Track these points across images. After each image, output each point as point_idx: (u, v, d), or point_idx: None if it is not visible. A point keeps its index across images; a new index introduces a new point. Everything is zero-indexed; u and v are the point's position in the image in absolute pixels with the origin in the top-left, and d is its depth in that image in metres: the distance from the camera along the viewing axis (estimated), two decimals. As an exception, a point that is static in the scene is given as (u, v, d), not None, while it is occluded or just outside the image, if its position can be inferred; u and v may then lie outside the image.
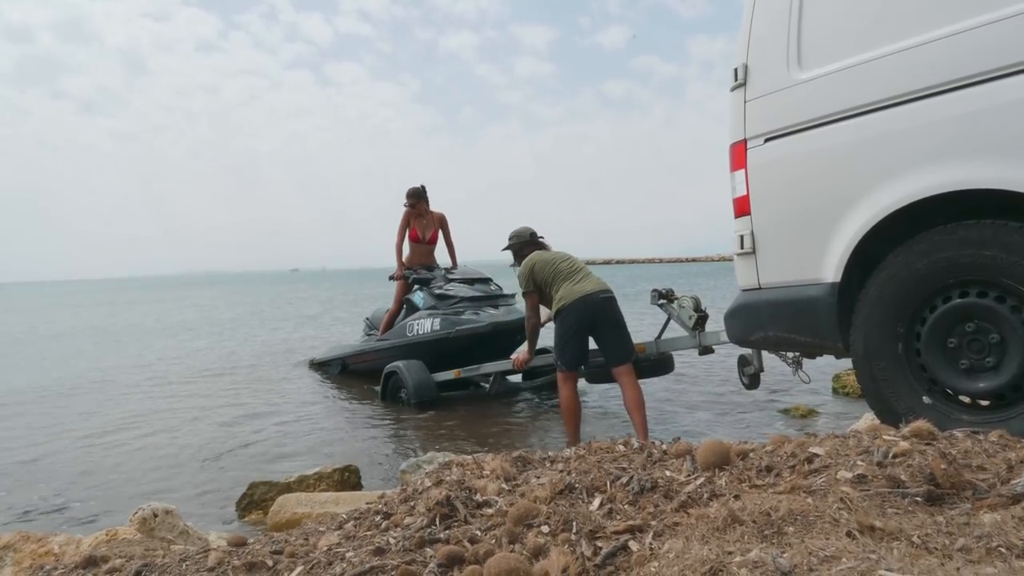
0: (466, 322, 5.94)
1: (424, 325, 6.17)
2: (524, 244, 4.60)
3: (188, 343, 12.46)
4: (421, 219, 6.65)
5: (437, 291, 6.33)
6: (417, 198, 6.53)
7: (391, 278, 6.85)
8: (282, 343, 11.68)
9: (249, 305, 25.35)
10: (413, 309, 6.61)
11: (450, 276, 6.52)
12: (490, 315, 6.01)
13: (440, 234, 6.81)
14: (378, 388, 6.16)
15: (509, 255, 4.74)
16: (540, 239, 4.66)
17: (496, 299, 6.38)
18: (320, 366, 8.23)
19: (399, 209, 6.52)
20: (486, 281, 6.57)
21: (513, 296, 6.45)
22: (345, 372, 7.55)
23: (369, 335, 7.48)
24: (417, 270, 6.65)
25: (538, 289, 4.23)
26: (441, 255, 6.89)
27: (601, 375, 4.46)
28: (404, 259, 6.70)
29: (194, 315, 20.86)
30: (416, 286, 6.63)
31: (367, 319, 7.80)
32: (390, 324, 6.86)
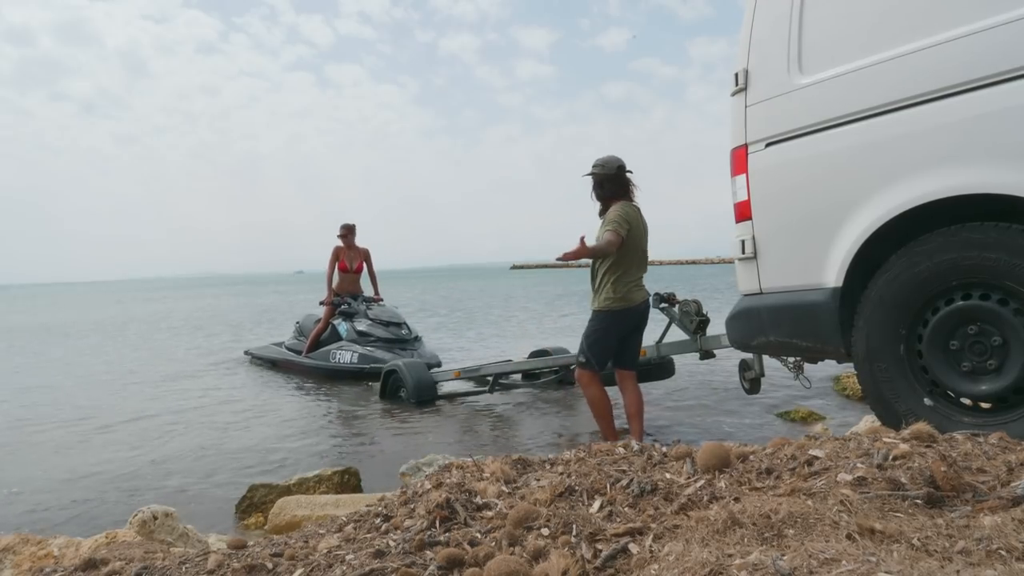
0: (378, 360, 7.18)
1: (344, 356, 7.54)
2: (609, 178, 3.90)
3: (192, 342, 12.46)
4: (349, 251, 7.87)
5: (359, 328, 7.67)
6: (349, 232, 7.79)
7: (321, 303, 8.09)
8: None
9: (258, 306, 25.38)
10: (336, 336, 7.92)
11: (370, 315, 7.80)
12: (398, 356, 7.14)
13: (365, 266, 8.05)
14: (375, 384, 6.24)
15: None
16: (629, 173, 3.96)
17: (405, 342, 7.66)
18: (254, 358, 9.39)
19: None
20: (400, 325, 7.84)
21: (420, 339, 7.95)
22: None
23: (298, 339, 8.71)
24: (344, 299, 7.94)
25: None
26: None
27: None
28: (334, 286, 7.91)
29: (205, 316, 20.83)
30: (342, 318, 7.91)
31: (298, 323, 9.03)
32: (316, 340, 8.04)
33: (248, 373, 8.49)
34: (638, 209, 3.94)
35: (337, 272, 7.87)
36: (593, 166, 3.94)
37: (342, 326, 7.87)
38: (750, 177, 2.77)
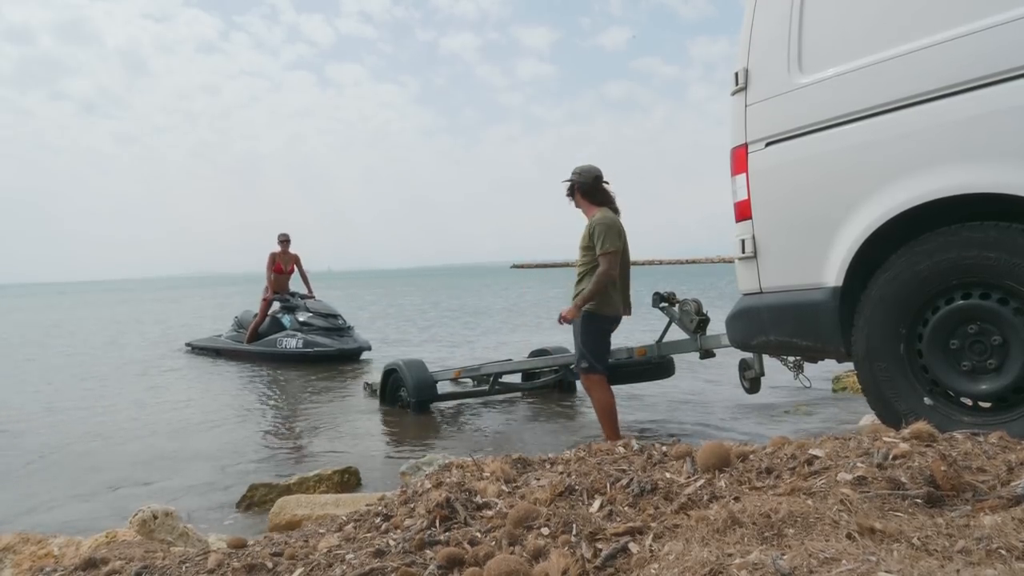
0: (321, 345, 8.88)
1: (290, 343, 9.08)
2: (591, 186, 3.99)
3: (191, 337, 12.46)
4: (284, 256, 9.67)
5: (301, 319, 9.25)
6: (286, 240, 9.63)
7: (265, 299, 9.68)
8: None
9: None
10: (279, 327, 9.42)
11: (310, 307, 9.41)
12: (337, 342, 9.02)
13: (297, 268, 9.85)
14: (373, 384, 6.26)
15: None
16: (606, 184, 4.06)
17: (341, 331, 9.33)
18: (196, 349, 10.59)
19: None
20: (335, 316, 9.51)
21: (352, 328, 9.58)
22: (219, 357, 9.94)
23: (238, 331, 10.16)
24: (285, 295, 9.61)
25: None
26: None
27: (624, 375, 4.55)
28: (270, 283, 9.58)
29: (229, 311, 20.87)
30: (284, 311, 9.49)
31: (236, 318, 10.53)
32: (255, 331, 9.57)
33: (245, 370, 8.50)
34: (618, 214, 4.06)
35: (273, 273, 9.62)
36: (573, 173, 4.04)
37: (286, 318, 9.45)
38: (750, 176, 2.77)
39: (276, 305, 9.56)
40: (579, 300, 3.85)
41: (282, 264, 9.65)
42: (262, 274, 9.92)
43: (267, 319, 9.57)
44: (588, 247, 3.90)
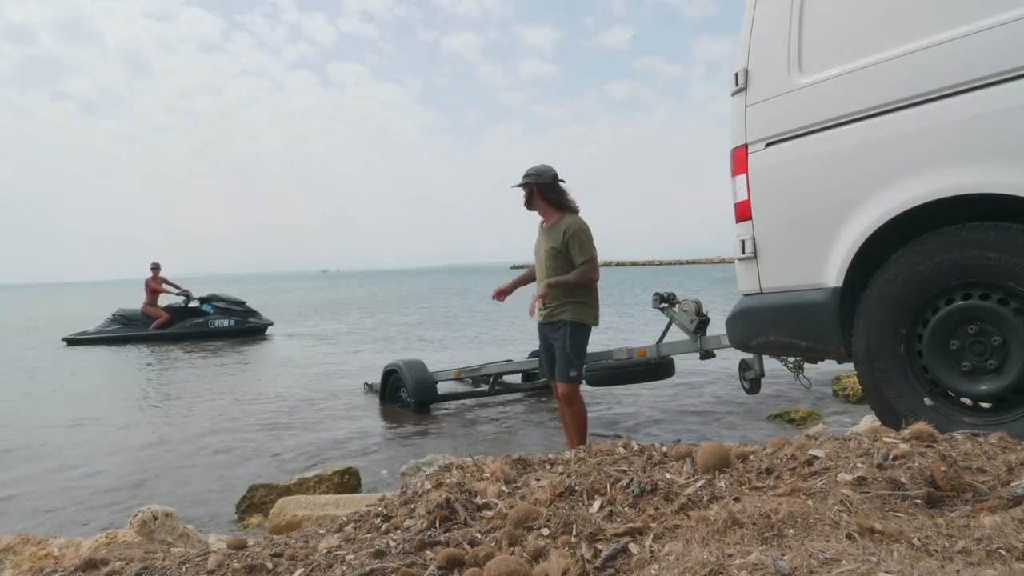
0: (251, 321, 13.06)
1: (223, 322, 12.81)
2: (548, 186, 3.75)
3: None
4: (154, 280, 13.03)
5: (220, 305, 12.97)
6: (156, 269, 13.09)
7: (184, 302, 13.27)
8: (282, 352, 11.67)
9: (298, 301, 25.88)
10: (201, 314, 12.88)
11: (222, 297, 13.23)
12: (258, 319, 13.27)
13: (166, 284, 13.34)
14: (373, 384, 6.26)
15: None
16: (562, 182, 3.81)
17: (252, 312, 13.33)
18: (72, 343, 12.63)
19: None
20: (242, 303, 13.31)
21: (258, 312, 13.52)
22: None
23: (125, 324, 12.86)
24: (189, 294, 13.11)
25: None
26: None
27: (624, 376, 4.56)
28: (152, 291, 13.01)
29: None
30: (202, 302, 12.97)
31: (116, 314, 13.09)
32: (165, 324, 12.76)
33: (250, 373, 8.50)
34: (571, 203, 3.84)
35: (151, 293, 13.03)
36: (526, 176, 3.78)
37: (206, 307, 12.94)
38: (750, 177, 2.77)
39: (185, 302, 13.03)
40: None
41: (155, 285, 13.09)
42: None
43: (183, 309, 12.93)
44: (559, 252, 3.69)
